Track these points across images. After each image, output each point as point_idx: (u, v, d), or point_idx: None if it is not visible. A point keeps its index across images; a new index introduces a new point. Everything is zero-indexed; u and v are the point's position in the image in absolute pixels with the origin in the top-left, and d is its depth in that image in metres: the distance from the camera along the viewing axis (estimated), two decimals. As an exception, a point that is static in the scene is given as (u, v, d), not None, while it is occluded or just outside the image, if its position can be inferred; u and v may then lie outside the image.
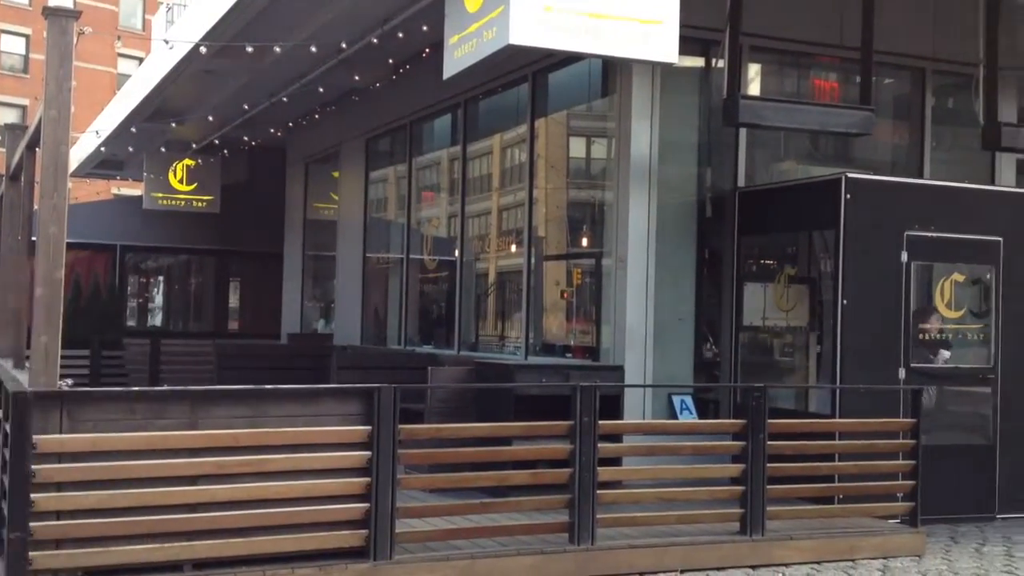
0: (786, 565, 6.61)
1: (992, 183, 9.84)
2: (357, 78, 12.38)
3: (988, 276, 8.51)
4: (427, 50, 10.79)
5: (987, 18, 8.75)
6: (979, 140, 8.91)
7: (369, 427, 5.78)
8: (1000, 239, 8.41)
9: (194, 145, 17.44)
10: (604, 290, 9.23)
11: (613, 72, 9.11)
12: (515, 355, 10.39)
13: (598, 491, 6.27)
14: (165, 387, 6.26)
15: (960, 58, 9.43)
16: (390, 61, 11.65)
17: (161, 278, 22.53)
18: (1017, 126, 9.02)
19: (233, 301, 21.39)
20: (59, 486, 5.23)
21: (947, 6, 9.45)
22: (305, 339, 16.25)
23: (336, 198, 16.15)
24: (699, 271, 9.29)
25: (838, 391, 7.94)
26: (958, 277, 8.47)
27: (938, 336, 8.49)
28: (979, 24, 8.81)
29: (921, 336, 8.37)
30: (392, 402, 5.79)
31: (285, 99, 13.47)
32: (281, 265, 18.21)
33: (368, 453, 5.76)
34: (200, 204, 18.61)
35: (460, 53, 7.42)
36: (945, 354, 8.54)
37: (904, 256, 8.13)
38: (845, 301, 7.98)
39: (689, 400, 8.95)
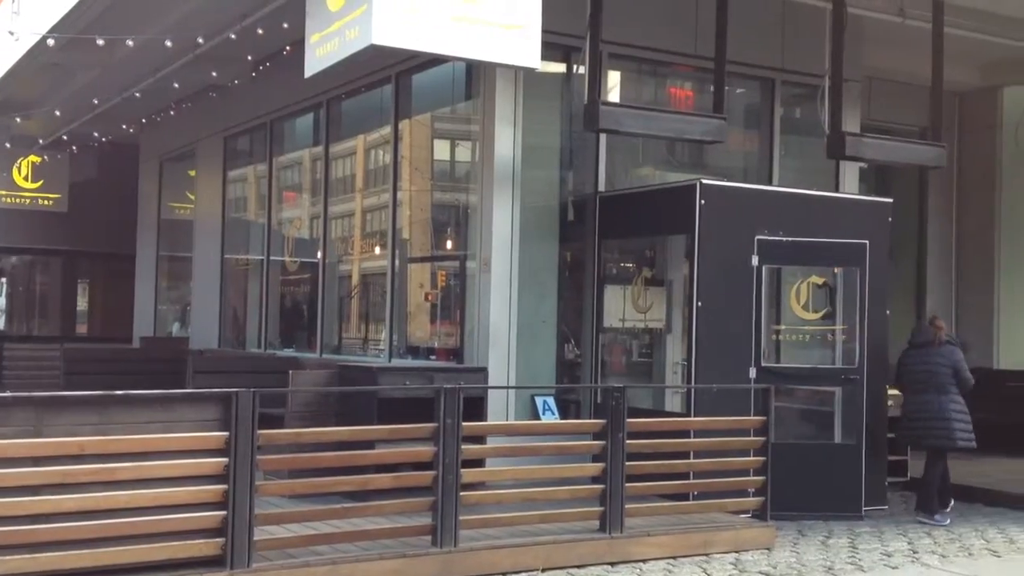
0: (644, 561, 6.77)
1: (836, 190, 10.31)
2: (215, 74, 12.08)
3: (838, 280, 8.86)
4: (288, 47, 10.62)
5: (832, 31, 9.16)
6: (824, 149, 9.31)
7: (226, 433, 5.64)
8: (850, 242, 8.77)
9: (40, 141, 16.71)
10: (468, 292, 9.27)
11: (477, 75, 9.16)
12: (379, 358, 10.32)
13: (461, 493, 6.29)
14: (8, 393, 5.94)
15: (807, 69, 9.85)
16: (249, 58, 11.41)
17: (4, 279, 21.51)
18: (859, 136, 9.46)
19: (82, 304, 20.59)
20: None
21: (795, 19, 9.86)
22: (159, 343, 15.76)
23: (192, 197, 15.72)
24: (561, 273, 9.43)
25: (693, 390, 8.18)
26: (816, 280, 8.78)
27: (792, 337, 8.81)
28: (825, 37, 9.21)
29: (775, 337, 8.67)
30: (251, 407, 5.66)
31: (138, 94, 13.03)
32: (133, 266, 17.61)
33: (225, 459, 5.62)
34: (46, 202, 17.85)
35: (322, 52, 7.32)
36: None
37: (755, 260, 8.43)
38: (700, 303, 8.22)
39: (551, 401, 9.07)
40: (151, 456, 5.53)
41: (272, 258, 13.00)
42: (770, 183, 10.18)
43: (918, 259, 13.05)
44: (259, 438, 5.72)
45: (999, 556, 7.23)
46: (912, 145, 9.94)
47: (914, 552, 7.28)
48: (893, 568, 6.83)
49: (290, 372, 8.60)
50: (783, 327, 8.76)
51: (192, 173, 15.58)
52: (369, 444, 6.78)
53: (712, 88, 8.90)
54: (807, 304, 8.73)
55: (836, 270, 8.86)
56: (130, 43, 10.62)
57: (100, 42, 10.51)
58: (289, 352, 12.03)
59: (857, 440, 8.56)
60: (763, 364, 8.40)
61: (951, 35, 9.66)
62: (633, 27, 9.32)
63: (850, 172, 10.51)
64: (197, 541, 5.55)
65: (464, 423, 6.32)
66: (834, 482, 8.47)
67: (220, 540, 5.58)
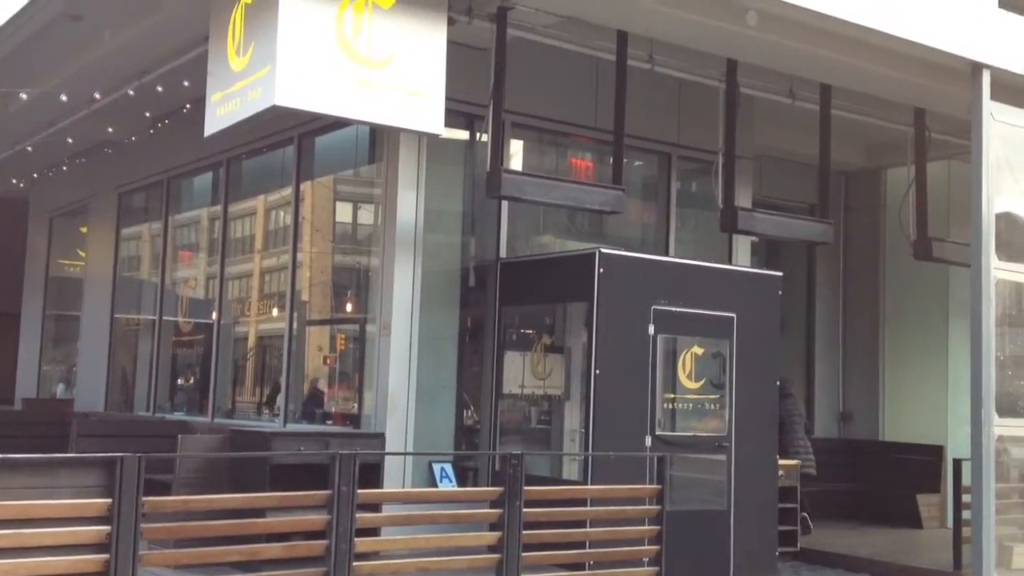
0: (539, 631, 6.69)
1: (729, 262, 10.58)
2: (111, 130, 11.86)
3: (724, 350, 9.06)
4: (188, 105, 10.49)
5: (726, 110, 9.49)
6: (718, 222, 9.57)
7: (109, 500, 5.42)
8: (734, 315, 9.02)
9: (-78, 193, 16.10)
10: (367, 356, 9.18)
11: (380, 139, 9.19)
12: (273, 422, 10.10)
13: (355, 563, 6.14)
14: None
15: (702, 145, 10.16)
16: (147, 114, 11.24)
17: None
18: (751, 211, 9.76)
19: (-39, 362, 19.64)
20: None
21: (691, 97, 10.19)
22: (42, 405, 15.15)
23: (83, 254, 15.27)
24: (461, 339, 9.41)
25: (590, 458, 8.20)
26: (697, 350, 8.97)
27: (681, 406, 8.94)
28: (719, 115, 9.54)
29: (665, 406, 8.79)
30: (136, 472, 5.45)
31: (30, 148, 12.68)
32: (17, 324, 16.96)
33: (107, 528, 5.39)
34: (-72, 256, 17.13)
35: (223, 111, 7.26)
36: None
37: (651, 329, 8.57)
38: (598, 371, 8.29)
39: (449, 468, 8.98)
40: (30, 523, 5.28)
41: (165, 318, 12.67)
42: (667, 254, 10.39)
43: (807, 331, 13.43)
44: (144, 505, 5.50)
45: (885, 623, 7.37)
46: (801, 221, 10.29)
47: (804, 620, 7.38)
48: (784, 637, 6.91)
49: (179, 436, 8.35)
50: (675, 396, 8.89)
51: (84, 230, 15.17)
52: (260, 512, 6.60)
53: (611, 160, 9.10)
54: (690, 373, 8.91)
55: (725, 342, 9.06)
56: (24, 96, 10.37)
57: (-8, 94, 10.26)
58: (179, 416, 11.68)
59: (727, 507, 8.74)
60: (657, 432, 8.49)
61: (838, 117, 10.10)
62: (535, 98, 9.49)
63: (742, 245, 10.82)
64: (74, 614, 5.30)
65: (360, 490, 6.20)
66: (710, 548, 8.61)
67: (99, 613, 5.33)
